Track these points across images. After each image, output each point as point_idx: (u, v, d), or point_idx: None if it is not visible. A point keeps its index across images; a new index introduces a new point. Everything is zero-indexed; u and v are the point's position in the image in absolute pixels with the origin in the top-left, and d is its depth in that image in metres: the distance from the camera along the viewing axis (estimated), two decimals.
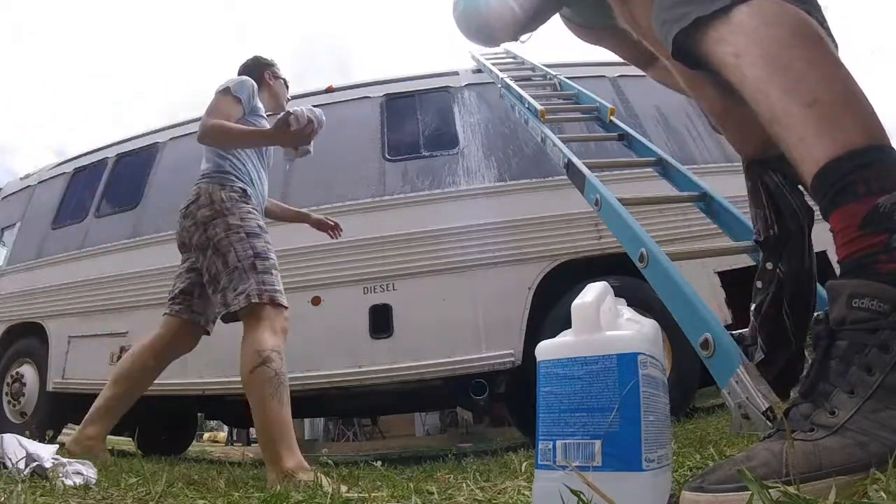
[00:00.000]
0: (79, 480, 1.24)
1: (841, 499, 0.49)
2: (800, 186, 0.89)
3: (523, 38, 1.38)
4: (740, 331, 1.03)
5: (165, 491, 1.14)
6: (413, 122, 3.52)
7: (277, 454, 1.41)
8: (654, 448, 0.64)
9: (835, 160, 0.61)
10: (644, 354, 0.66)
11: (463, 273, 2.98)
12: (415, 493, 0.98)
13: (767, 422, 0.80)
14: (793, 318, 0.92)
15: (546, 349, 0.72)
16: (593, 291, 0.71)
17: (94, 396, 1.95)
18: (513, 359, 2.78)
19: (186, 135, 4.00)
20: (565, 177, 1.69)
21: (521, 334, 2.81)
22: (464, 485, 1.04)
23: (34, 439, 1.49)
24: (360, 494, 1.03)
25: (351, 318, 2.94)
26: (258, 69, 2.06)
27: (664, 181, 1.65)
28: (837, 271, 0.65)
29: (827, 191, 0.62)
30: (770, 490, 0.49)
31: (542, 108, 1.99)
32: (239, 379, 1.58)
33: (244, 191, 1.76)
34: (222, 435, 12.94)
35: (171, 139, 4.01)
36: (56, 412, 3.46)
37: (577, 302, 0.71)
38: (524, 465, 1.29)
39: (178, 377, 3.14)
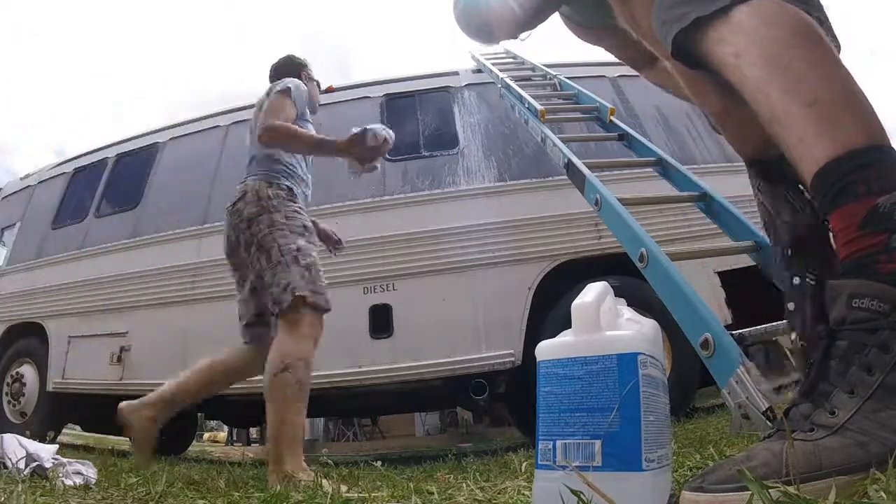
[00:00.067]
0: (79, 480, 1.25)
1: (841, 499, 0.49)
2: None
3: (523, 36, 1.38)
4: (740, 331, 1.03)
5: (165, 491, 1.14)
6: (413, 122, 3.52)
7: (281, 456, 1.41)
8: (654, 448, 0.64)
9: (835, 160, 0.61)
10: (644, 354, 0.66)
11: (463, 273, 2.98)
12: (415, 493, 0.99)
13: (767, 422, 0.80)
14: None
15: (546, 349, 0.72)
16: (593, 291, 0.71)
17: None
18: (513, 359, 2.78)
19: (186, 135, 4.00)
20: (565, 177, 1.69)
21: (521, 334, 2.81)
22: (464, 485, 1.04)
23: (34, 439, 1.49)
24: (360, 494, 1.03)
25: (351, 318, 2.94)
26: (296, 69, 2.05)
27: (664, 181, 1.65)
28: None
29: (827, 191, 0.62)
30: (770, 490, 0.49)
31: (542, 108, 1.99)
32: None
33: (291, 189, 1.76)
34: (222, 435, 12.93)
35: (171, 139, 4.01)
36: (56, 412, 3.46)
37: (577, 302, 0.71)
38: (524, 465, 1.29)
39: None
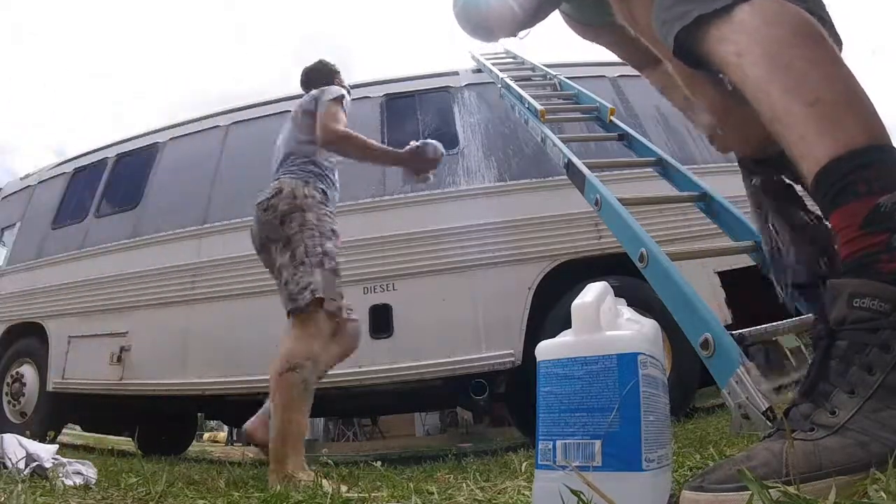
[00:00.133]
0: (79, 480, 1.25)
1: (841, 499, 0.49)
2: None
3: (522, 34, 1.39)
4: (740, 331, 1.03)
5: (165, 491, 1.14)
6: (413, 122, 3.52)
7: (283, 455, 1.42)
8: (654, 448, 0.64)
9: (836, 160, 0.61)
10: (644, 354, 0.66)
11: (463, 273, 2.98)
12: (415, 493, 0.99)
13: (767, 422, 0.80)
14: None
15: (546, 349, 0.72)
16: (593, 291, 0.71)
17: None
18: (513, 359, 2.78)
19: (186, 135, 4.00)
20: (565, 177, 1.69)
21: (521, 334, 2.80)
22: (464, 485, 1.04)
23: (34, 439, 1.49)
24: (360, 494, 1.03)
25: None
26: (330, 76, 2.10)
27: (664, 181, 1.65)
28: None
29: (828, 190, 0.62)
30: (770, 490, 0.49)
31: (542, 108, 1.99)
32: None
33: (325, 192, 1.78)
34: (222, 435, 12.92)
35: (171, 139, 4.02)
36: (56, 412, 3.46)
37: (577, 302, 0.70)
38: (524, 465, 1.29)
39: (178, 377, 3.14)
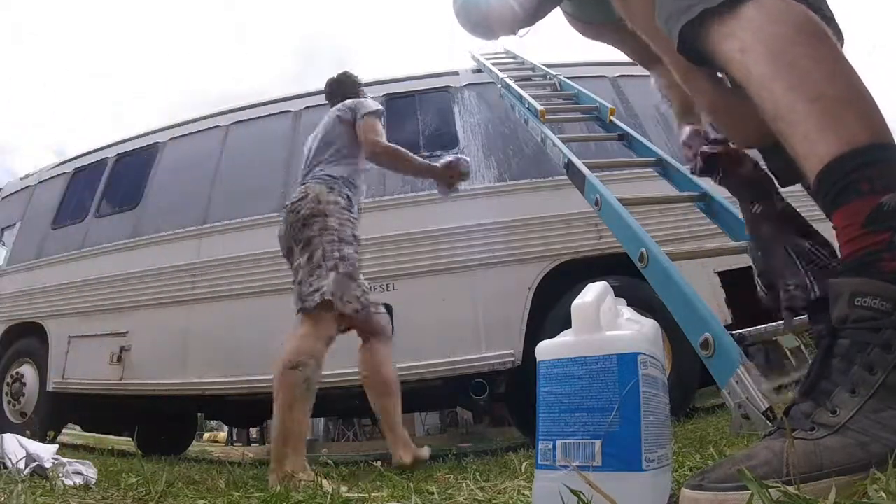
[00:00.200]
0: (79, 480, 1.25)
1: (841, 499, 0.49)
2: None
3: (521, 32, 1.39)
4: (740, 331, 1.03)
5: (165, 491, 1.14)
6: (413, 122, 3.52)
7: (283, 455, 1.42)
8: (654, 448, 0.64)
9: (838, 158, 0.61)
10: (644, 354, 0.66)
11: (463, 273, 2.98)
12: (415, 493, 0.98)
13: (767, 421, 0.80)
14: None
15: (546, 349, 0.72)
16: (593, 291, 0.71)
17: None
18: (513, 359, 2.78)
19: (186, 135, 4.01)
20: (565, 177, 1.69)
21: (521, 334, 2.80)
22: (464, 485, 1.04)
23: (34, 439, 1.49)
24: (360, 494, 1.03)
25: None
26: (356, 88, 2.19)
27: (664, 181, 1.65)
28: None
29: (830, 189, 0.62)
30: (770, 490, 0.48)
31: (542, 108, 1.99)
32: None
33: (350, 199, 1.83)
34: (222, 435, 12.93)
35: (171, 139, 4.02)
36: (56, 412, 3.46)
37: (577, 302, 0.70)
38: (524, 465, 1.29)
39: (178, 377, 3.14)
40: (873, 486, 0.49)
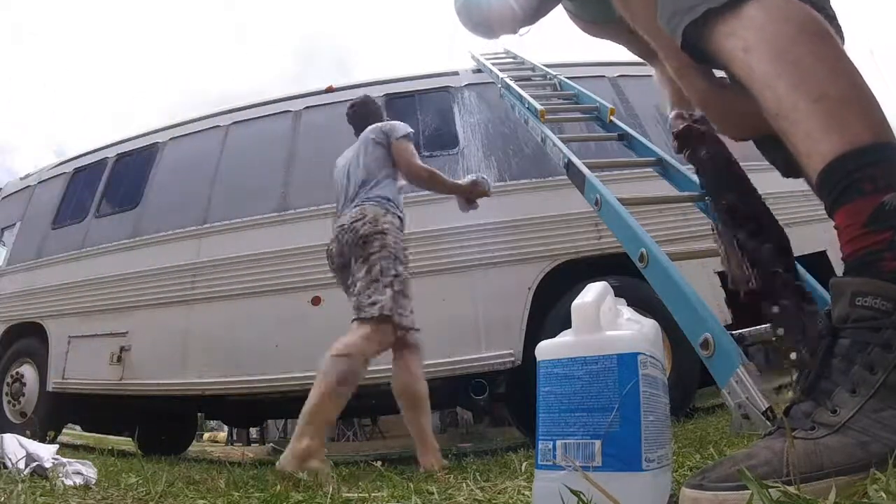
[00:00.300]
0: (79, 480, 1.25)
1: (841, 499, 0.49)
2: None
3: (522, 31, 1.39)
4: (740, 331, 1.03)
5: (165, 491, 1.14)
6: (413, 122, 3.50)
7: (305, 433, 1.53)
8: (654, 448, 0.64)
9: (841, 157, 0.61)
10: (644, 354, 0.66)
11: (463, 273, 2.98)
12: (415, 493, 0.98)
13: (767, 421, 0.80)
14: None
15: (546, 349, 0.72)
16: (593, 291, 0.71)
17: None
18: (513, 359, 2.78)
19: (186, 135, 4.00)
20: (565, 177, 1.69)
21: (521, 334, 2.80)
22: (464, 485, 1.04)
23: (34, 439, 1.49)
24: (360, 494, 1.03)
25: (351, 318, 2.94)
26: (379, 112, 2.35)
27: (664, 181, 1.65)
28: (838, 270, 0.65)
29: (832, 188, 0.62)
30: (770, 489, 0.48)
31: (542, 108, 1.99)
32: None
33: (401, 220, 2.01)
34: (222, 435, 12.92)
35: (171, 139, 4.01)
36: (56, 412, 3.45)
37: (577, 302, 0.70)
38: (524, 465, 1.29)
39: (178, 377, 3.14)
40: (873, 486, 0.49)
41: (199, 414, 5.23)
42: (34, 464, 1.29)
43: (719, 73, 0.85)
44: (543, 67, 2.77)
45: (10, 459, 1.29)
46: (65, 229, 4.02)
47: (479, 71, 3.26)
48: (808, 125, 0.64)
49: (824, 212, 0.66)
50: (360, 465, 1.83)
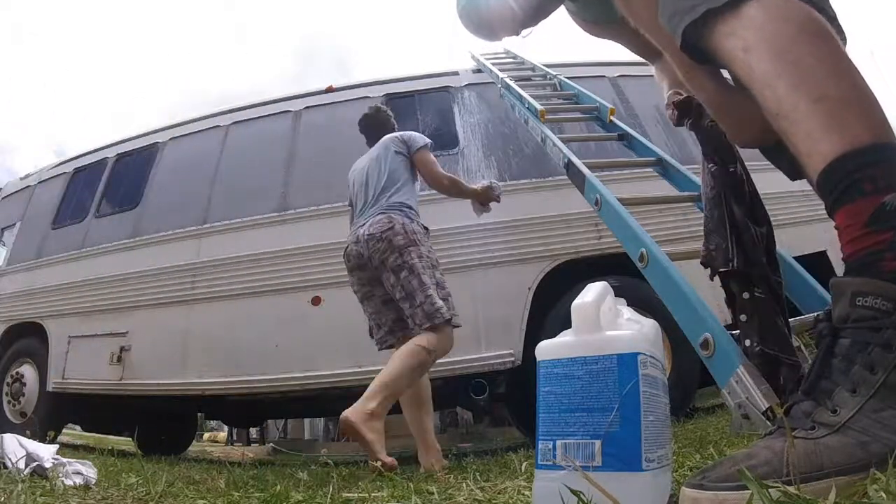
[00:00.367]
0: (79, 480, 1.24)
1: (841, 499, 0.49)
2: None
3: (524, 33, 1.39)
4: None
5: (165, 491, 1.14)
6: (413, 122, 3.51)
7: (375, 397, 1.62)
8: (654, 448, 0.64)
9: (841, 157, 0.61)
10: (644, 354, 0.66)
11: (463, 273, 2.97)
12: (415, 493, 0.98)
13: (767, 421, 0.80)
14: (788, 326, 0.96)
15: (546, 349, 0.72)
16: (593, 291, 0.71)
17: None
18: (513, 359, 2.78)
19: (186, 135, 4.00)
20: (565, 177, 1.69)
21: (521, 334, 2.80)
22: (464, 485, 1.04)
23: (34, 439, 1.49)
24: (360, 494, 1.03)
25: (351, 317, 2.94)
26: (392, 123, 2.41)
27: (664, 181, 1.65)
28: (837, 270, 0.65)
29: (833, 188, 0.62)
30: (770, 489, 0.48)
31: (542, 108, 1.99)
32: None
33: (427, 229, 2.09)
34: (222, 435, 12.92)
35: (171, 139, 4.01)
36: (56, 412, 3.46)
37: (577, 302, 0.70)
38: (524, 465, 1.29)
39: (178, 377, 3.14)
40: (873, 486, 0.49)
41: (199, 414, 5.23)
42: (34, 464, 1.29)
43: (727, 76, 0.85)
44: (543, 67, 2.77)
45: (10, 459, 1.29)
46: (65, 229, 4.02)
47: (479, 71, 3.26)
48: (809, 125, 0.64)
49: (824, 212, 0.66)
50: (360, 465, 1.83)
